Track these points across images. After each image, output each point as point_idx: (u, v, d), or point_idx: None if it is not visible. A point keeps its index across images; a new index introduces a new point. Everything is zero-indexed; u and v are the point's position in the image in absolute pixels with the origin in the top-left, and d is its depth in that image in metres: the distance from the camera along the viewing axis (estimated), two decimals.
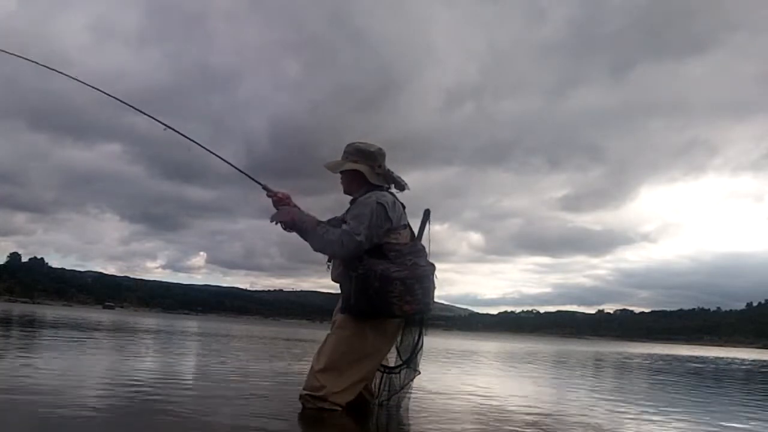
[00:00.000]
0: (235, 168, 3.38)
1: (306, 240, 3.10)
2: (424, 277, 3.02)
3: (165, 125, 3.41)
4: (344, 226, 3.02)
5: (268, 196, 3.24)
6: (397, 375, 3.30)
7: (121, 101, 3.59)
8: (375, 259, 2.95)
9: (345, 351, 3.02)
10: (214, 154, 3.41)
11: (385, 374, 3.31)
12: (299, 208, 3.20)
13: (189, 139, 3.38)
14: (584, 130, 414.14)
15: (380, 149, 3.18)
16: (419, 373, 3.34)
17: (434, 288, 3.08)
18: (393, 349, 3.27)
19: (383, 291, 2.87)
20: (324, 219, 3.36)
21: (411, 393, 3.38)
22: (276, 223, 3.18)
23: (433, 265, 3.12)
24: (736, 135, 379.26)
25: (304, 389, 3.04)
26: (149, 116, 3.47)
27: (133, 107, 3.55)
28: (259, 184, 3.28)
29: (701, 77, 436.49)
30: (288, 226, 3.14)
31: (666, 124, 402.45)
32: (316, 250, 3.10)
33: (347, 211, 3.25)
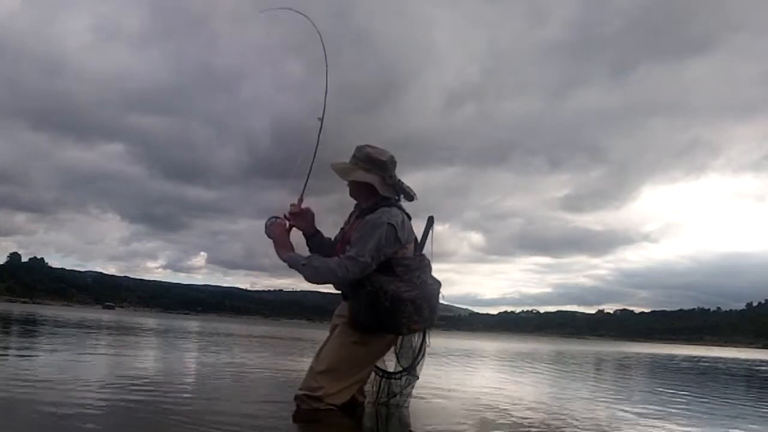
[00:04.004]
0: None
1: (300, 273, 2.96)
2: (432, 296, 3.01)
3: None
4: (348, 248, 2.92)
5: (293, 204, 3.19)
6: (396, 380, 3.29)
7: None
8: (383, 275, 2.88)
9: (347, 356, 3.00)
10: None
11: (384, 379, 3.29)
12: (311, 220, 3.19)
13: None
14: (585, 131, 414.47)
15: (392, 157, 3.06)
16: (418, 378, 3.33)
17: (439, 304, 3.07)
18: (390, 352, 3.25)
19: (394, 311, 2.84)
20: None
21: (410, 394, 3.36)
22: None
23: (439, 282, 3.08)
24: (738, 135, 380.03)
25: (300, 389, 3.02)
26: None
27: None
28: (303, 189, 3.21)
29: (703, 78, 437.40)
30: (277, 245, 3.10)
31: (667, 125, 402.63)
32: (315, 282, 2.93)
33: (349, 217, 3.22)
